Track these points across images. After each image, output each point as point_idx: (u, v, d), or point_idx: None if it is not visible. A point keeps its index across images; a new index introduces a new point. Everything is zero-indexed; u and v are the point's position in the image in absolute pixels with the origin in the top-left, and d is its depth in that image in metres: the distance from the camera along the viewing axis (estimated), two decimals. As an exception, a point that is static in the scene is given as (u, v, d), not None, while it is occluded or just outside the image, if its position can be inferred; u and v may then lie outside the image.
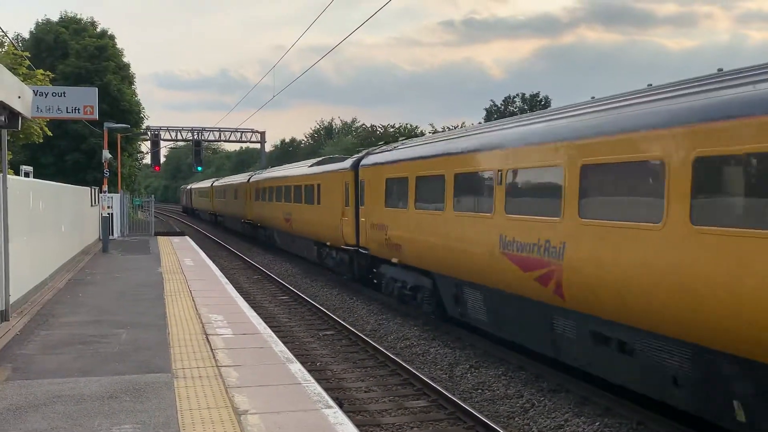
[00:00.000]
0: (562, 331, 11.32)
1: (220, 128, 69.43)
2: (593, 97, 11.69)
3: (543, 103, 77.31)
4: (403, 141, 22.09)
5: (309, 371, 9.73)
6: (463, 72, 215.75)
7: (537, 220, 11.47)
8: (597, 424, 10.21)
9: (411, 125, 79.40)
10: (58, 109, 22.38)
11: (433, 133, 58.73)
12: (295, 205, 30.59)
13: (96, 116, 23.63)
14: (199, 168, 51.34)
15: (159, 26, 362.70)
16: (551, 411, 10.93)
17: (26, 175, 23.87)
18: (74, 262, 23.08)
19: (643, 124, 9.26)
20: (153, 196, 63.14)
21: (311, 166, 29.62)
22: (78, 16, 51.29)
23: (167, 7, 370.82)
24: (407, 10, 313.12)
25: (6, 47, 22.95)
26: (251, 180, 43.29)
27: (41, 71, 23.69)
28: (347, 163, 23.49)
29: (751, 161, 7.67)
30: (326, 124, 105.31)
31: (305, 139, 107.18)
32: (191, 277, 19.58)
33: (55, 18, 50.64)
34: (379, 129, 78.01)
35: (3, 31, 23.73)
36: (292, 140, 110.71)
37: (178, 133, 67.20)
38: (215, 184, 63.52)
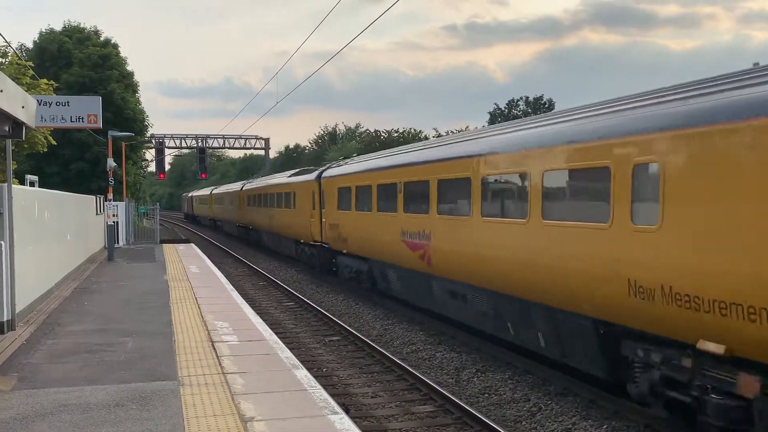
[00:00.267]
0: (435, 290, 16.74)
1: (224, 135, 69.68)
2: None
3: (547, 105, 77.28)
4: (349, 158, 28.69)
5: (315, 377, 9.73)
6: (466, 76, 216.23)
7: (418, 217, 16.93)
8: (605, 427, 10.18)
9: (414, 130, 79.60)
10: (62, 118, 22.42)
11: (437, 136, 58.82)
12: (278, 210, 35.86)
13: (100, 125, 23.67)
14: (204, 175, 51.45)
15: (162, 34, 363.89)
16: (558, 415, 10.90)
17: (31, 184, 23.90)
18: (80, 271, 23.11)
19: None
20: (158, 203, 63.31)
21: (289, 176, 34.75)
22: (81, 26, 51.47)
23: (170, 16, 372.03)
24: (409, 15, 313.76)
25: (10, 57, 23.02)
26: (243, 188, 49.13)
27: (45, 81, 23.77)
28: (313, 175, 28.75)
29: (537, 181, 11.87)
30: (330, 129, 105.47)
31: (309, 145, 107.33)
32: (197, 284, 19.59)
33: (58, 27, 50.82)
34: (383, 134, 78.10)
35: (7, 42, 23.82)
36: (297, 146, 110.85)
37: (183, 141, 67.46)
38: (214, 192, 69.31)
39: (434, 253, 15.96)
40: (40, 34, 50.25)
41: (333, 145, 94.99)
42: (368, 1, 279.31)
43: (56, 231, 18.88)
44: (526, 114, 73.03)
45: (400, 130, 79.16)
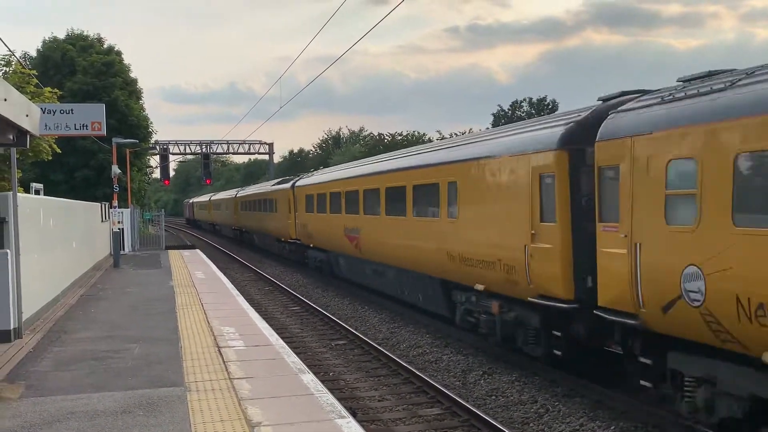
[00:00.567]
0: (366, 270, 22.92)
1: (228, 141, 69.73)
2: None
3: (550, 106, 77.23)
4: (314, 171, 36.36)
5: (322, 381, 9.73)
6: (468, 78, 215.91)
7: (353, 216, 23.11)
8: (612, 428, 10.16)
9: (418, 132, 79.55)
10: (66, 126, 22.47)
11: (440, 138, 58.91)
12: (264, 214, 42.06)
13: (104, 132, 23.72)
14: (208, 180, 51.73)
15: (164, 41, 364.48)
16: (566, 416, 10.88)
17: (37, 192, 23.97)
18: (86, 278, 23.16)
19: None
20: (163, 210, 63.40)
21: (273, 185, 41.48)
22: (84, 33, 51.59)
23: (172, 22, 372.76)
24: (411, 18, 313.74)
25: (13, 66, 23.09)
26: (237, 195, 55.23)
27: (49, 89, 23.82)
28: (288, 184, 35.50)
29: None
30: (334, 133, 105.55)
31: (313, 149, 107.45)
32: (202, 290, 19.61)
33: (61, 35, 50.96)
34: (387, 137, 78.08)
35: (10, 50, 23.88)
36: (301, 151, 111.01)
37: (187, 147, 67.49)
38: (212, 198, 75.48)
39: (362, 242, 22.31)
40: (44, 42, 50.42)
41: (337, 149, 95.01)
42: (370, 4, 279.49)
43: (62, 238, 18.92)
44: (530, 115, 72.99)
45: (404, 133, 79.15)
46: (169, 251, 37.24)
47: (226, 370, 10.03)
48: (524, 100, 79.89)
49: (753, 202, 7.89)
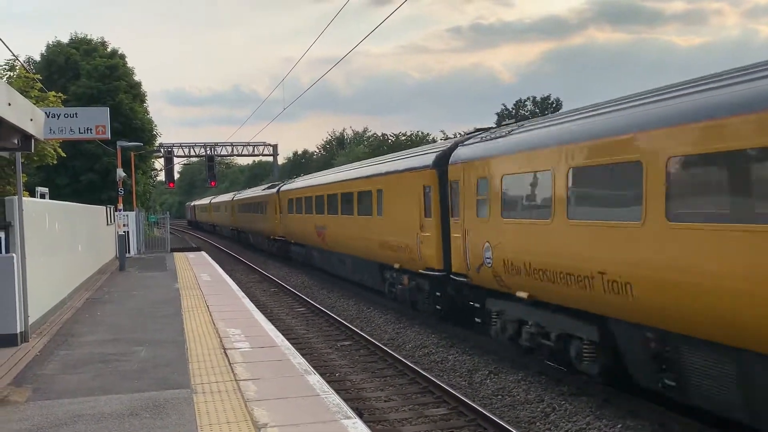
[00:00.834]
0: (333, 260, 28.02)
1: (232, 143, 69.85)
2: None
3: (554, 105, 77.13)
4: (296, 178, 43.04)
5: (328, 382, 9.74)
6: (472, 77, 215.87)
7: (321, 217, 28.37)
8: (618, 426, 10.14)
9: (422, 132, 79.52)
10: (71, 130, 22.48)
11: (444, 139, 58.95)
12: (256, 215, 47.54)
13: (108, 136, 23.71)
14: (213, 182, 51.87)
15: (168, 43, 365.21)
16: (572, 415, 10.87)
17: (42, 196, 24.00)
18: (92, 281, 23.21)
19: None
20: (168, 212, 63.48)
21: (263, 190, 47.24)
22: (88, 37, 51.66)
23: (175, 25, 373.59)
24: (413, 18, 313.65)
25: (18, 70, 23.12)
26: (234, 198, 61.00)
27: (53, 93, 23.85)
28: (275, 189, 41.43)
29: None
30: (338, 134, 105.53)
31: (317, 150, 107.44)
32: (208, 292, 19.64)
33: (65, 39, 51.04)
34: (390, 138, 78.09)
35: (14, 55, 23.93)
36: (305, 152, 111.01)
37: (191, 149, 67.68)
38: (212, 201, 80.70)
39: (327, 237, 27.87)
40: (48, 46, 50.48)
41: (341, 149, 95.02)
42: (372, 5, 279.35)
43: (67, 242, 18.97)
44: (533, 114, 72.90)
45: (408, 133, 79.16)
46: (175, 254, 37.31)
47: (232, 371, 10.04)
48: (528, 98, 79.88)
49: (507, 205, 13.48)
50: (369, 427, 7.82)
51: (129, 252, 33.64)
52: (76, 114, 22.93)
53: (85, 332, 13.78)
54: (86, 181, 45.35)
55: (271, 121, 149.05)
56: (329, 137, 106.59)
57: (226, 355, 11.11)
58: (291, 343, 12.52)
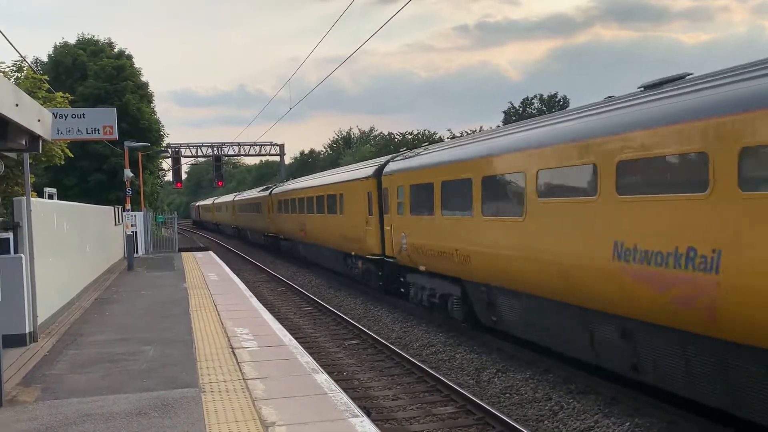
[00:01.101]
0: (313, 251, 33.38)
1: (239, 143, 69.76)
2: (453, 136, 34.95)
3: (561, 103, 76.99)
4: (285, 182, 46.83)
5: (335, 381, 9.73)
6: (479, 75, 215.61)
7: (303, 215, 33.96)
8: (627, 424, 10.12)
9: (429, 131, 79.34)
10: (78, 130, 22.56)
11: (451, 137, 58.96)
12: (254, 214, 52.92)
13: (116, 136, 23.80)
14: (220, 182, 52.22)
15: (174, 44, 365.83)
16: (580, 413, 10.85)
17: (50, 197, 24.08)
18: (100, 281, 23.28)
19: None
20: (176, 212, 63.61)
21: (258, 192, 52.82)
22: (95, 38, 51.82)
23: (182, 25, 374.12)
24: (419, 17, 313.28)
25: (25, 71, 23.20)
26: (234, 199, 66.62)
27: (60, 94, 23.91)
28: (267, 191, 46.96)
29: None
30: (344, 134, 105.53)
31: (324, 150, 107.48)
32: (216, 291, 19.68)
33: (72, 40, 51.22)
34: (397, 137, 78.01)
35: (22, 56, 24.01)
36: (311, 151, 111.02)
37: (198, 149, 67.61)
38: (215, 201, 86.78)
39: (307, 232, 33.34)
40: (55, 47, 50.72)
41: (348, 149, 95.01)
42: (377, 4, 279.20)
43: (76, 242, 19.02)
44: (540, 112, 72.76)
45: (415, 132, 79.08)
46: (182, 253, 37.39)
47: (240, 370, 10.06)
48: (535, 96, 79.79)
49: (413, 206, 18.56)
50: (377, 425, 7.82)
51: (137, 252, 33.73)
52: (83, 115, 23.03)
53: (93, 332, 13.83)
54: (94, 181, 45.53)
55: (278, 121, 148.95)
56: (336, 136, 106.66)
57: (234, 355, 11.13)
58: (298, 342, 12.52)
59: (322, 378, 9.54)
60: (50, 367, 10.79)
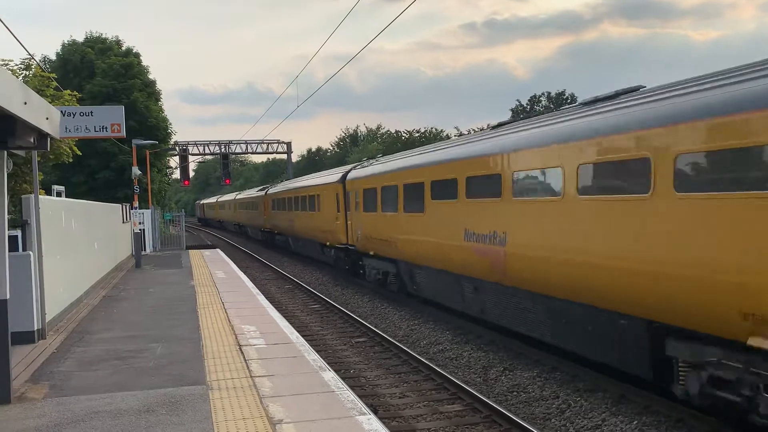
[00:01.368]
0: (300, 243, 39.11)
1: (246, 140, 69.85)
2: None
3: (569, 100, 76.77)
4: (279, 182, 52.68)
5: (342, 379, 9.74)
6: (486, 73, 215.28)
7: (291, 212, 39.81)
8: (635, 422, 10.10)
9: (436, 129, 79.34)
10: (86, 128, 22.56)
11: (458, 135, 58.95)
12: (252, 212, 58.66)
13: (123, 134, 23.80)
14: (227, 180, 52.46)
15: (182, 42, 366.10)
16: (588, 411, 10.83)
17: (58, 194, 24.17)
18: (108, 279, 23.36)
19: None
20: (183, 210, 63.75)
21: (256, 191, 58.39)
22: (103, 36, 51.92)
23: (189, 23, 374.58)
24: (426, 15, 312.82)
25: (33, 69, 23.24)
26: (236, 198, 71.86)
27: (68, 92, 23.93)
28: (264, 191, 52.04)
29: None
30: (351, 131, 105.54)
31: (331, 148, 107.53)
32: (223, 289, 19.71)
33: (80, 39, 51.33)
34: (404, 135, 78.00)
35: (30, 54, 24.06)
36: (318, 149, 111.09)
37: (206, 147, 67.75)
38: (219, 200, 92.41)
39: (294, 227, 38.45)
40: (63, 45, 50.80)
41: (354, 147, 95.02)
42: (384, 2, 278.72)
43: (83, 240, 19.09)
44: (548, 109, 72.58)
45: (422, 130, 79.06)
46: (190, 251, 37.47)
47: (248, 368, 10.08)
48: (542, 94, 79.55)
49: (365, 205, 24.10)
50: (384, 423, 7.82)
51: (145, 249, 33.83)
52: (91, 112, 23.03)
53: (101, 329, 13.87)
54: (102, 179, 45.62)
55: (285, 119, 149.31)
56: (343, 134, 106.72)
57: (242, 352, 11.15)
58: (306, 340, 12.54)
59: (330, 376, 9.55)
60: (58, 364, 10.83)
